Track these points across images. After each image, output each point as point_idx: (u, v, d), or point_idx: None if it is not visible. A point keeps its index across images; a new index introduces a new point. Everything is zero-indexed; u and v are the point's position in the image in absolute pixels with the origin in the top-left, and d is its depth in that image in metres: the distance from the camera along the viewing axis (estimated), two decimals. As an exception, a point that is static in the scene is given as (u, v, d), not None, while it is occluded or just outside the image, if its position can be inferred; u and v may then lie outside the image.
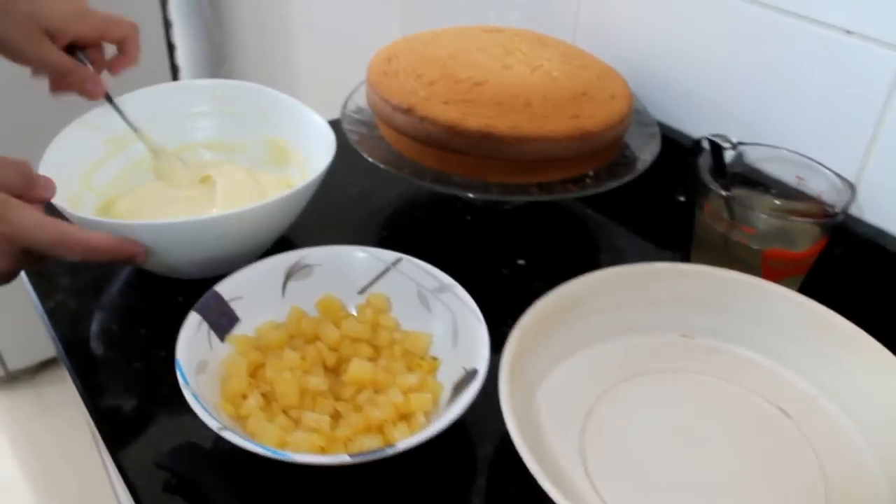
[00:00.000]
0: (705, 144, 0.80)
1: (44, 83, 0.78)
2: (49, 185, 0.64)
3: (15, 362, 1.96)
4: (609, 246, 0.85)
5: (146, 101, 0.83)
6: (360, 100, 0.87)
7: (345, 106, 0.86)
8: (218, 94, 0.85)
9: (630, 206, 0.88)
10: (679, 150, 0.87)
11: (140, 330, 0.70)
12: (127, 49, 0.79)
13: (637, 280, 0.70)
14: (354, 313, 0.68)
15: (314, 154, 0.79)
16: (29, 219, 0.59)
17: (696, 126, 0.90)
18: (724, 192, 0.73)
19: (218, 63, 1.77)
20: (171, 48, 1.73)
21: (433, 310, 0.66)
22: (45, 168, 0.72)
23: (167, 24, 1.71)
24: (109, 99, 0.79)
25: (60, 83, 0.77)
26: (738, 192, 0.76)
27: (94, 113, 0.80)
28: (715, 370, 0.69)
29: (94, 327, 0.71)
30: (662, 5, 0.89)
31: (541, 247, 0.83)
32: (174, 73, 1.76)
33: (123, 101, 0.81)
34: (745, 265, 0.73)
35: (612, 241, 0.86)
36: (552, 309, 0.66)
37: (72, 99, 0.78)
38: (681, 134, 0.90)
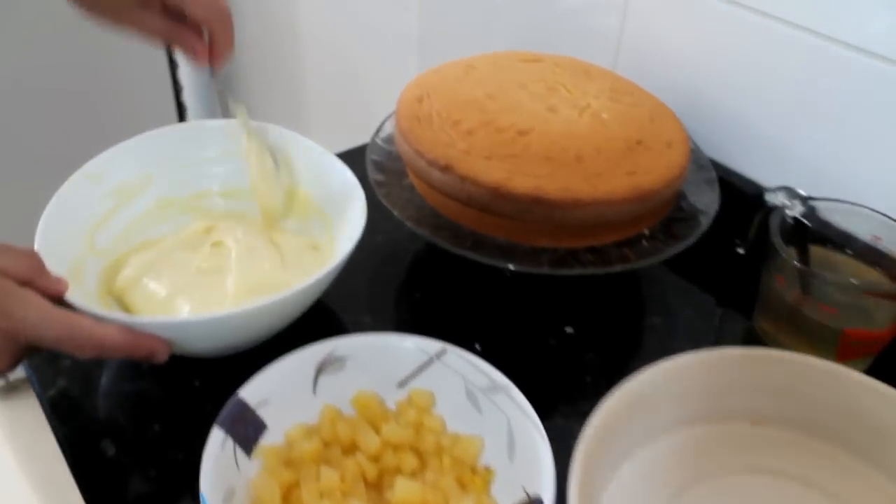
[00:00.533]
0: (772, 200, 0.72)
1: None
2: (61, 280, 0.58)
3: (16, 372, 1.89)
4: (664, 304, 0.78)
5: (155, 143, 0.75)
6: (386, 133, 0.79)
7: (369, 149, 0.78)
8: (235, 136, 0.76)
9: (684, 255, 0.80)
10: (735, 193, 0.79)
11: (153, 425, 0.63)
12: (217, 38, 0.71)
13: (707, 368, 0.63)
14: (393, 408, 0.61)
15: (339, 208, 0.71)
16: (35, 312, 0.54)
17: (755, 167, 0.82)
18: (801, 265, 0.66)
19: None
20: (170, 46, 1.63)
21: (484, 411, 0.59)
22: (45, 235, 0.65)
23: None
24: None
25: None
26: (817, 265, 0.68)
27: (94, 162, 0.72)
28: (791, 467, 0.62)
29: (101, 422, 0.63)
30: (721, 31, 0.80)
31: (589, 309, 0.75)
32: (172, 70, 1.66)
33: (129, 146, 0.73)
34: (818, 340, 0.67)
35: (667, 297, 0.78)
36: (615, 412, 0.59)
37: (70, 147, 0.70)
38: (739, 177, 0.83)
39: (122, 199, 0.73)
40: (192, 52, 0.71)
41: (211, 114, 1.76)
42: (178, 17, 0.70)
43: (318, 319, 0.67)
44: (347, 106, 1.48)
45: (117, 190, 0.73)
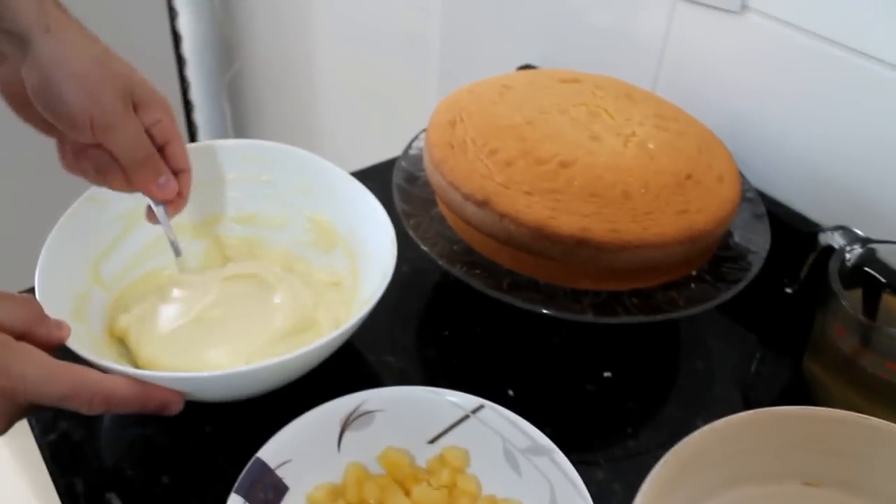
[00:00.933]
0: (827, 240, 0.67)
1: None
2: (62, 326, 0.54)
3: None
4: (705, 345, 0.73)
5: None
6: (412, 155, 0.74)
7: (395, 174, 0.72)
8: (251, 157, 0.71)
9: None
10: (783, 228, 0.74)
11: (162, 477, 0.58)
12: (182, 188, 0.65)
13: (760, 428, 0.59)
14: (424, 467, 0.56)
15: (365, 242, 0.66)
16: (36, 368, 0.49)
17: (804, 201, 0.78)
18: (865, 319, 0.61)
19: (229, 59, 1.61)
20: (176, 38, 1.57)
21: (524, 474, 0.55)
22: (47, 263, 0.60)
23: (172, 13, 1.55)
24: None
25: (131, 169, 0.61)
26: (886, 319, 0.63)
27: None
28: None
29: (106, 472, 0.58)
30: (772, 54, 0.76)
31: (628, 351, 0.70)
32: (180, 66, 1.60)
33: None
34: (878, 395, 0.62)
35: (708, 338, 0.73)
36: (666, 479, 0.54)
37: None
38: (787, 210, 0.78)
39: (130, 224, 0.68)
40: (162, 183, 0.63)
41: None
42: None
43: (338, 360, 0.62)
44: (364, 120, 1.42)
45: (125, 214, 0.68)
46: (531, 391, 0.65)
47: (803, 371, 0.69)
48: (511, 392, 0.65)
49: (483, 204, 0.63)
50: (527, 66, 0.99)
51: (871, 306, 0.63)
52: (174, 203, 0.65)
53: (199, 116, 1.65)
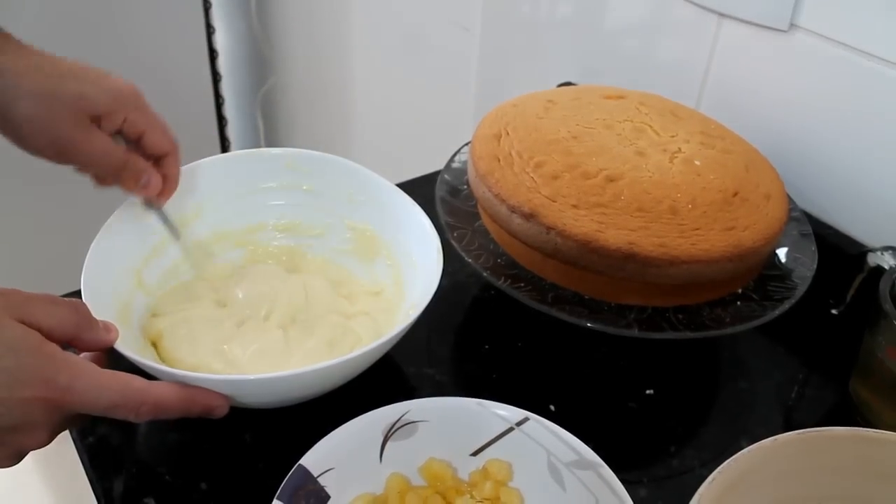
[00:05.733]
0: (876, 261, 0.66)
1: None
2: (110, 329, 0.54)
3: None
4: (748, 365, 0.71)
5: (209, 172, 0.70)
6: (456, 167, 0.74)
7: (438, 186, 0.72)
8: (294, 166, 0.71)
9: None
10: (829, 249, 0.73)
11: (200, 483, 0.58)
12: (168, 171, 0.65)
13: (808, 448, 0.57)
14: (466, 479, 0.56)
15: (409, 253, 0.66)
16: (83, 379, 0.48)
17: (850, 221, 0.77)
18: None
19: (264, 75, 1.62)
20: (213, 54, 1.59)
21: (568, 488, 0.54)
22: (93, 267, 0.60)
23: (209, 29, 1.56)
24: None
25: (110, 178, 0.63)
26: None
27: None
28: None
29: (143, 477, 0.58)
30: (819, 72, 0.75)
31: (671, 368, 0.69)
32: (215, 81, 1.62)
33: (182, 174, 0.68)
34: (927, 419, 0.61)
35: (751, 357, 0.72)
36: (712, 498, 0.53)
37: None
38: (833, 231, 0.77)
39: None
40: (144, 183, 0.63)
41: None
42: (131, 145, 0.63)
43: (377, 371, 0.62)
44: (398, 136, 1.42)
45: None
46: (573, 407, 0.64)
47: (850, 393, 0.67)
48: (552, 407, 0.64)
49: (530, 216, 0.62)
50: (567, 84, 0.98)
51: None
52: (163, 190, 0.65)
53: (232, 132, 1.66)
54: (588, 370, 0.68)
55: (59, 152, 0.59)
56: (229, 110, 1.63)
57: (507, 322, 0.72)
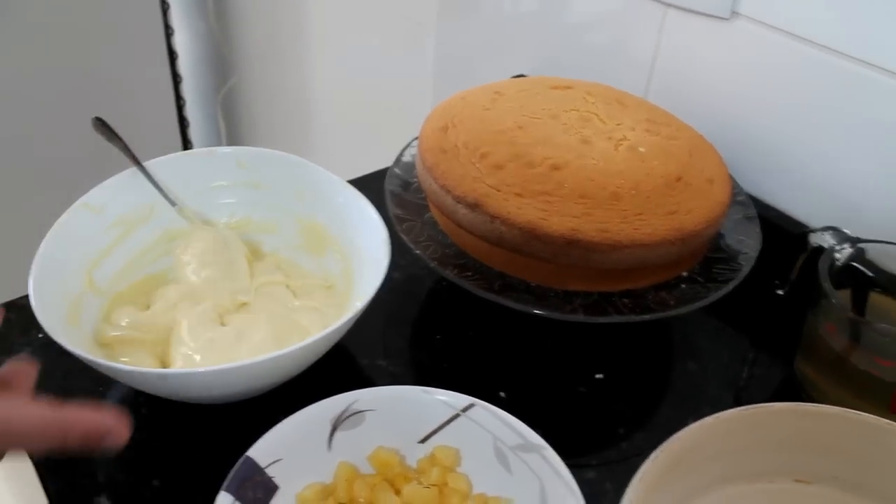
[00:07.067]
0: (817, 241, 0.68)
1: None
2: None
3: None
4: (697, 346, 0.73)
5: (160, 172, 0.70)
6: (405, 162, 0.74)
7: (388, 180, 0.73)
8: (244, 164, 0.72)
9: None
10: (774, 231, 0.74)
11: (153, 481, 0.58)
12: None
13: (750, 424, 0.59)
14: (414, 466, 0.56)
15: (358, 246, 0.67)
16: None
17: (795, 204, 0.78)
18: (855, 315, 0.61)
19: (224, 75, 1.62)
20: (172, 56, 1.58)
21: (514, 471, 0.54)
22: (41, 268, 0.60)
23: (168, 31, 1.56)
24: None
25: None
26: (874, 316, 0.63)
27: (96, 191, 0.67)
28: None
29: (95, 476, 0.58)
30: (762, 59, 0.76)
31: (620, 352, 0.71)
32: (176, 83, 1.61)
33: (134, 173, 0.69)
34: (868, 393, 0.62)
35: (700, 339, 0.73)
36: (656, 476, 0.54)
37: (71, 172, 0.65)
38: (778, 213, 0.78)
39: (125, 231, 0.68)
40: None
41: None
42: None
43: (330, 363, 0.63)
44: (359, 132, 1.43)
45: (121, 221, 0.68)
46: (523, 393, 0.65)
47: (795, 371, 0.69)
48: (503, 394, 0.65)
49: (474, 206, 0.63)
50: (520, 76, 0.99)
51: (860, 303, 0.63)
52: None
53: (194, 133, 1.66)
54: (538, 357, 0.69)
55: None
56: (191, 111, 1.63)
57: (460, 312, 0.73)
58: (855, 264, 0.62)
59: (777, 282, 0.74)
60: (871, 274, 0.63)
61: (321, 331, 0.56)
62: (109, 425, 0.42)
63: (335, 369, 0.64)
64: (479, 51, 1.11)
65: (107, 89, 1.39)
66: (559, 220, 0.61)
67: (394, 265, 0.70)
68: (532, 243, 0.62)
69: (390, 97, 1.32)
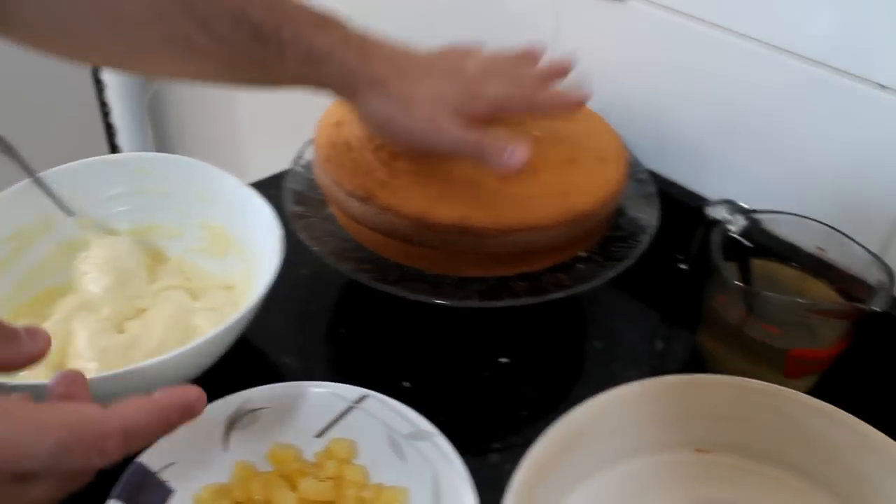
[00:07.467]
0: (713, 214, 0.69)
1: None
2: (36, 334, 0.43)
3: None
4: (605, 325, 0.74)
5: (56, 183, 0.70)
6: (307, 160, 0.75)
7: (289, 178, 0.73)
8: (144, 170, 0.71)
9: (627, 272, 0.76)
10: (677, 207, 0.76)
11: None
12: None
13: (645, 398, 0.60)
14: (312, 460, 0.57)
15: (257, 245, 0.67)
16: (12, 424, 0.37)
17: (697, 179, 0.79)
18: (742, 284, 0.62)
19: (146, 81, 1.60)
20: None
21: (408, 459, 0.55)
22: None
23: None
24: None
25: None
26: (763, 280, 0.65)
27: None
28: (738, 494, 0.59)
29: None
30: (656, 39, 0.77)
31: (526, 336, 0.71)
32: (99, 90, 1.60)
33: (25, 187, 0.68)
34: (763, 360, 0.64)
35: (609, 318, 0.75)
36: (550, 452, 0.55)
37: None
38: (681, 189, 0.79)
39: (22, 243, 0.68)
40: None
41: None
42: None
43: (240, 361, 0.63)
44: (281, 132, 1.42)
45: (17, 234, 0.68)
46: (427, 381, 0.66)
47: (697, 344, 0.70)
48: (407, 384, 0.65)
49: (365, 199, 0.63)
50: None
51: (746, 273, 0.64)
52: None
53: (122, 140, 1.64)
54: (444, 345, 0.70)
55: None
56: (117, 119, 1.61)
57: (366, 305, 0.73)
58: (735, 235, 0.63)
59: (680, 256, 0.75)
60: (749, 245, 0.64)
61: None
62: (194, 396, 0.43)
63: (244, 368, 0.64)
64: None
65: (31, 100, 1.37)
66: (449, 207, 0.62)
67: (300, 261, 0.71)
68: (423, 233, 0.62)
69: (315, 96, 1.31)
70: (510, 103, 0.63)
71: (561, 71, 0.67)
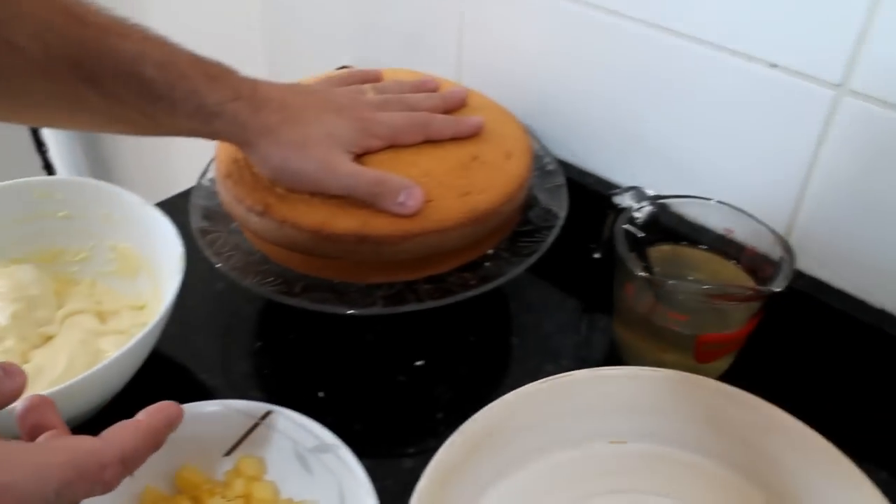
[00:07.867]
0: (621, 201, 0.69)
1: None
2: (11, 371, 0.43)
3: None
4: (523, 320, 0.74)
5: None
6: (212, 175, 0.74)
7: (194, 193, 0.73)
8: (45, 194, 0.71)
9: (545, 264, 0.75)
10: (590, 196, 0.76)
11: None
12: None
13: (554, 394, 0.60)
14: (222, 480, 0.57)
15: (165, 261, 0.67)
16: (19, 467, 0.37)
17: (608, 167, 0.80)
18: (647, 275, 0.63)
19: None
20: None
21: (314, 472, 0.55)
22: None
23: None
24: None
25: None
26: (673, 265, 0.65)
27: None
28: (655, 483, 0.60)
29: None
30: (557, 28, 0.77)
31: (442, 337, 0.71)
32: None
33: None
34: (675, 347, 0.64)
35: (527, 312, 0.75)
36: (459, 454, 0.55)
37: None
38: (594, 177, 0.80)
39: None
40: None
41: (80, 172, 1.65)
42: None
43: (159, 379, 0.64)
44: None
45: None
46: (342, 390, 0.66)
47: (613, 333, 0.70)
48: (321, 394, 0.65)
49: (263, 213, 0.63)
50: (343, 68, 0.99)
51: (645, 261, 0.64)
52: None
53: (55, 155, 1.62)
54: (358, 353, 0.70)
55: None
56: (47, 133, 1.59)
57: (280, 318, 0.73)
58: (626, 226, 0.63)
59: (593, 245, 0.76)
60: (641, 234, 0.64)
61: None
62: (174, 411, 0.47)
63: (167, 386, 0.64)
64: (305, 46, 1.11)
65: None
66: (347, 217, 0.62)
67: (217, 277, 0.70)
68: (322, 244, 0.62)
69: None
70: (405, 135, 0.65)
71: (456, 102, 0.71)
